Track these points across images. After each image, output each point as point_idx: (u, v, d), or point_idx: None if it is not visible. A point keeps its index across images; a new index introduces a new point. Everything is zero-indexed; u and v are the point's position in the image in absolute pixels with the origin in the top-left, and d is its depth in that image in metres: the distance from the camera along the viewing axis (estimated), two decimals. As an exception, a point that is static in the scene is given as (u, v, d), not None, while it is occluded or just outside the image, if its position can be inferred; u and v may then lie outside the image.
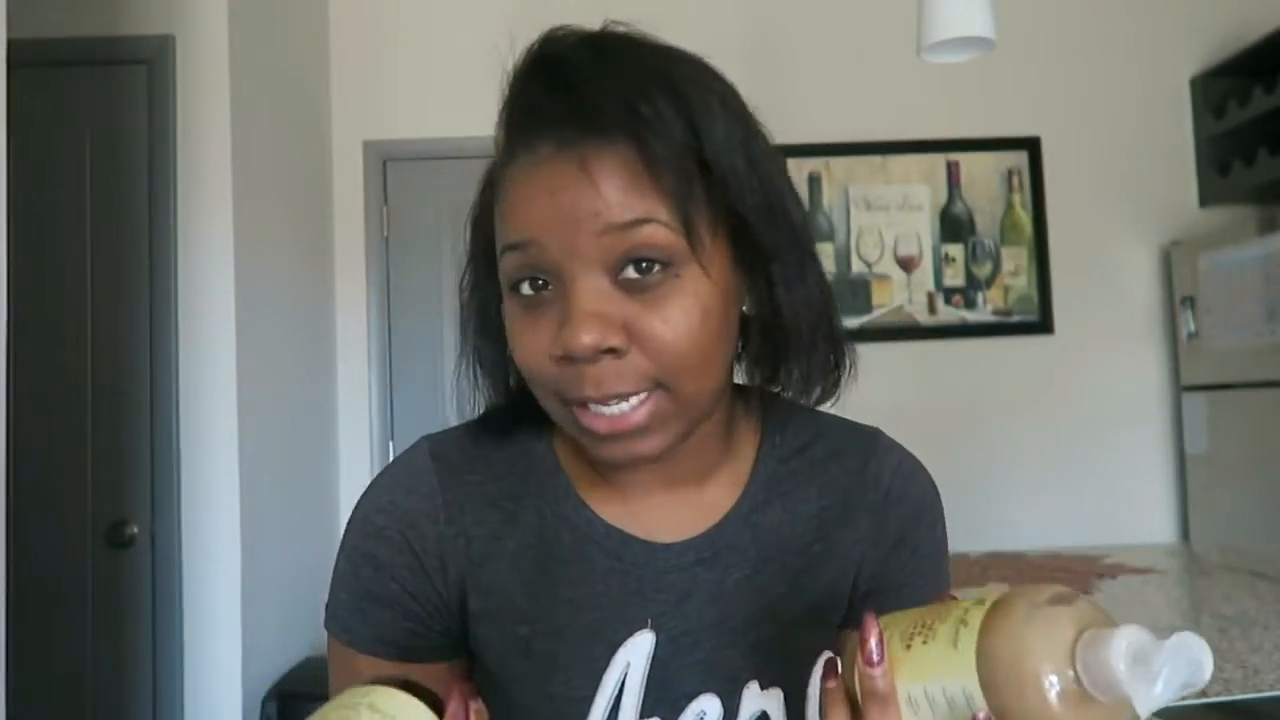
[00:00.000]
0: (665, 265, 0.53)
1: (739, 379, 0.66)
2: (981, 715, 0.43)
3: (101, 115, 2.30)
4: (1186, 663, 0.39)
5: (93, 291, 2.27)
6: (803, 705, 0.65)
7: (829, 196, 3.18)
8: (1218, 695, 1.07)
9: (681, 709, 0.61)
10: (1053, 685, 0.41)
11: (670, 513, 0.65)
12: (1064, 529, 2.99)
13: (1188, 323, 3.07)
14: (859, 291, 3.16)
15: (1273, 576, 1.77)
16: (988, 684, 0.42)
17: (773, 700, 0.63)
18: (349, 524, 0.66)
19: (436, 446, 0.66)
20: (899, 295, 3.17)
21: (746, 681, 0.62)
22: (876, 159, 3.19)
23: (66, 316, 2.26)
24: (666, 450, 0.57)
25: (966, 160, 3.21)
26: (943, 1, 1.77)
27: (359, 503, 0.66)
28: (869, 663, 0.46)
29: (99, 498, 2.24)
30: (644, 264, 0.53)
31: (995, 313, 3.19)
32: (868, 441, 0.70)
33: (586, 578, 0.63)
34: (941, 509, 0.70)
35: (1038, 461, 3.14)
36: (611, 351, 0.53)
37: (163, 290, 2.25)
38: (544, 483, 0.65)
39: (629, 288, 0.53)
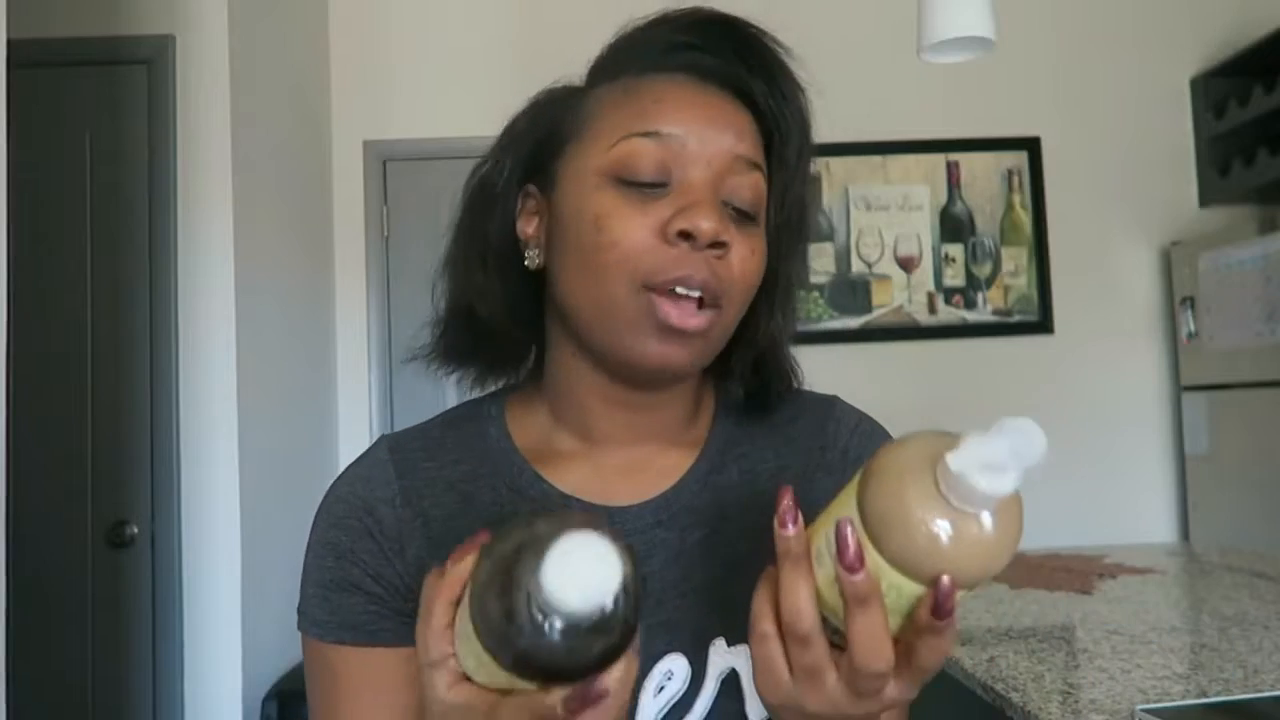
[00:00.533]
0: (756, 213, 0.62)
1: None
2: (846, 527, 0.44)
3: (101, 115, 2.30)
4: (1024, 443, 0.41)
5: (93, 291, 2.27)
6: None
7: (829, 196, 3.18)
8: (1218, 695, 1.07)
9: (648, 670, 0.61)
10: (932, 520, 0.42)
11: (628, 477, 0.66)
12: (1064, 529, 2.98)
13: (1188, 323, 3.07)
14: (859, 291, 3.16)
15: (1273, 576, 1.77)
16: (874, 537, 0.43)
17: (740, 657, 0.63)
18: (314, 521, 0.68)
19: (393, 441, 0.70)
20: (899, 295, 3.18)
21: (712, 639, 0.63)
22: (876, 159, 3.20)
23: (66, 317, 2.26)
24: (691, 369, 0.62)
25: (966, 160, 3.22)
26: (943, 1, 1.77)
27: (321, 501, 0.68)
28: (850, 569, 0.44)
29: (99, 498, 2.24)
30: (746, 202, 0.61)
31: (995, 313, 3.20)
32: (825, 405, 0.73)
33: None
34: None
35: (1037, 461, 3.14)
36: (719, 247, 0.59)
37: (163, 290, 2.25)
38: (499, 462, 0.67)
39: (729, 213, 0.61)
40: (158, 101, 2.27)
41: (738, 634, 0.63)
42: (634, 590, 0.42)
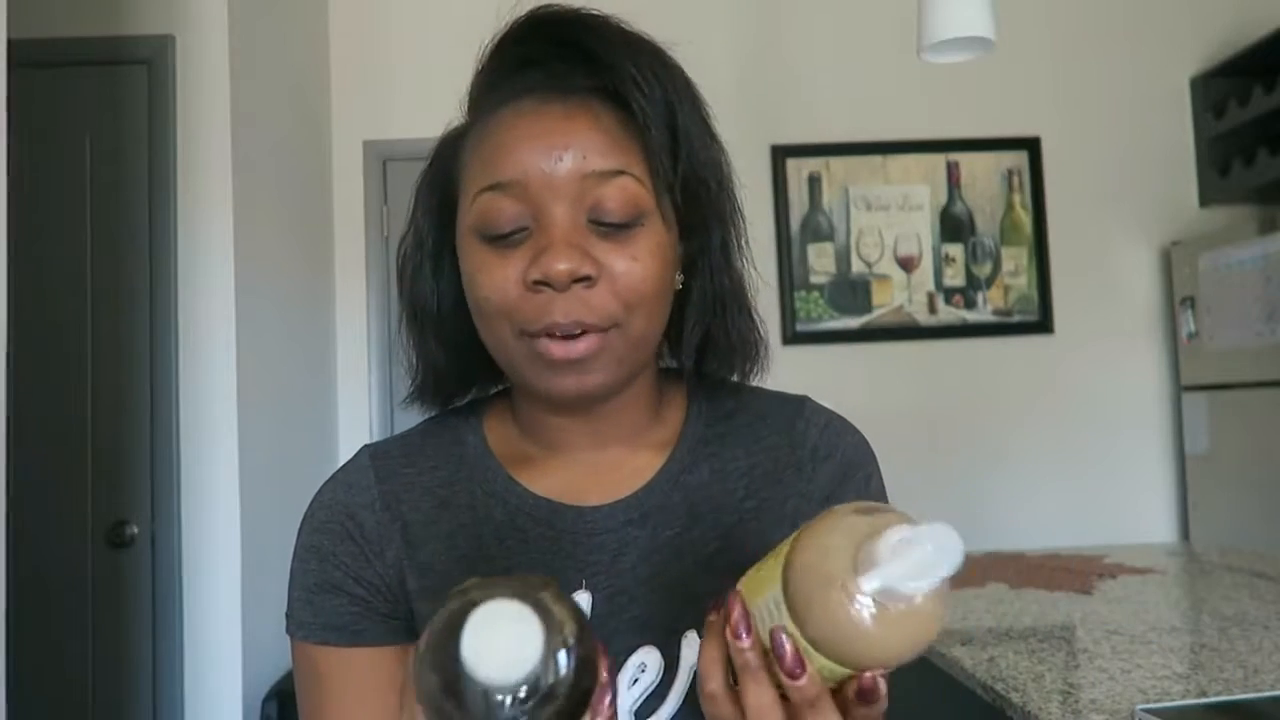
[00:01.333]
0: (634, 215, 0.60)
1: (666, 363, 0.71)
2: (780, 636, 0.44)
3: (101, 115, 2.30)
4: (942, 555, 0.40)
5: (93, 291, 2.27)
6: None
7: (829, 196, 3.18)
8: (1218, 695, 1.07)
9: (622, 663, 0.63)
10: (852, 609, 0.42)
11: (599, 479, 0.68)
12: (1064, 529, 2.99)
13: (1188, 323, 3.07)
14: (859, 291, 3.16)
15: (1273, 576, 1.78)
16: (797, 619, 0.44)
17: None
18: (299, 529, 0.70)
19: (374, 449, 0.72)
20: (899, 295, 3.18)
21: (684, 632, 0.64)
22: (876, 159, 3.20)
23: (66, 317, 2.26)
24: (610, 388, 0.63)
25: (966, 160, 3.22)
26: (943, 1, 1.77)
27: (306, 508, 0.71)
28: (735, 636, 0.47)
29: (99, 498, 2.24)
30: (614, 214, 0.59)
31: (995, 313, 3.20)
32: (795, 405, 0.73)
33: (520, 548, 0.66)
34: (876, 467, 0.72)
35: (1038, 461, 3.14)
36: (584, 280, 0.58)
37: (163, 290, 2.25)
38: (475, 467, 0.69)
39: (599, 230, 0.60)
40: (158, 101, 2.27)
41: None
42: (582, 651, 0.41)
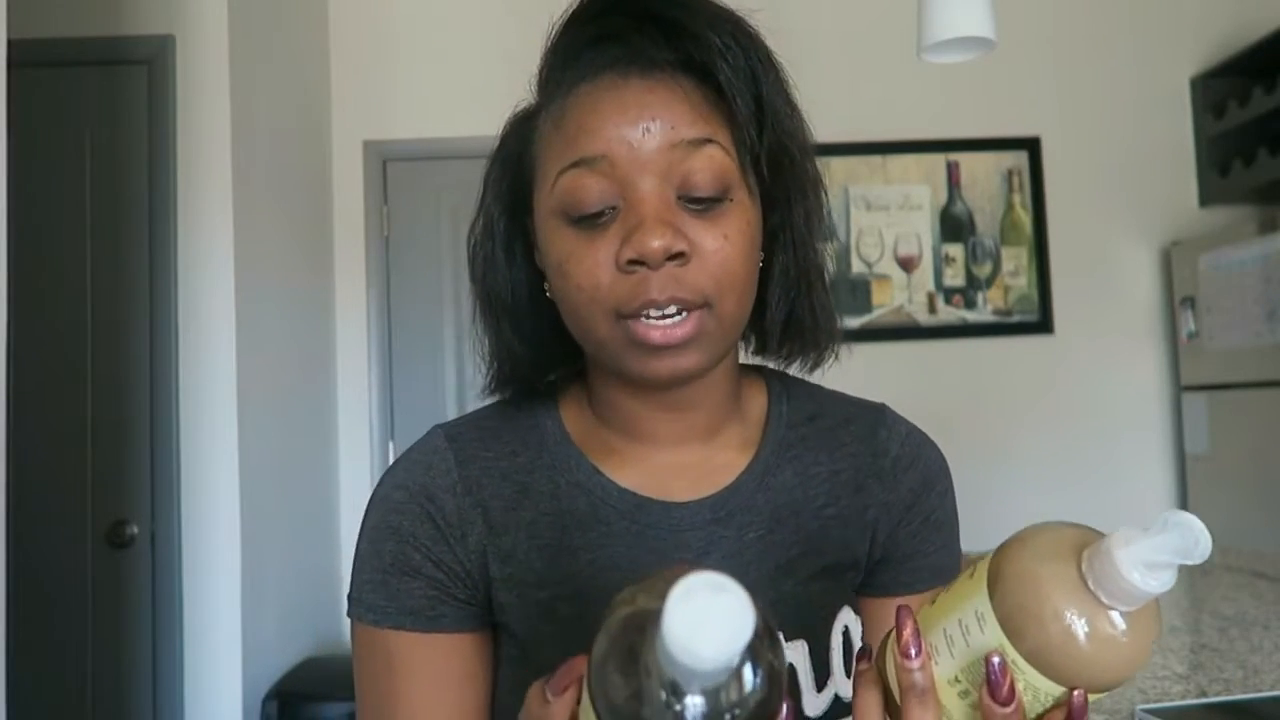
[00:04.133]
0: (723, 189, 0.58)
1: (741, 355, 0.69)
2: (995, 660, 0.41)
3: (101, 115, 2.30)
4: (1190, 541, 0.38)
5: (93, 291, 2.27)
6: (826, 656, 0.66)
7: (829, 196, 3.17)
8: (1218, 695, 1.07)
9: None
10: (1075, 618, 0.39)
11: (683, 475, 0.66)
12: (1064, 529, 2.99)
13: (1188, 323, 3.07)
14: (859, 291, 3.16)
15: (1273, 576, 1.77)
16: (1010, 630, 0.41)
17: (797, 652, 0.65)
18: (368, 508, 0.67)
19: (450, 429, 0.69)
20: (899, 295, 3.17)
21: None
22: (876, 159, 3.19)
23: (66, 316, 2.26)
24: (703, 369, 0.61)
25: (966, 160, 3.21)
26: (943, 1, 1.77)
27: (377, 488, 0.68)
28: (905, 654, 0.44)
29: (99, 498, 2.24)
30: (703, 187, 0.57)
31: (995, 313, 3.19)
32: (876, 412, 0.72)
33: (604, 541, 0.64)
34: (951, 480, 0.72)
35: (1038, 461, 3.14)
36: (678, 257, 0.56)
37: (163, 290, 2.25)
38: (556, 454, 0.67)
39: (689, 207, 0.58)
40: (158, 101, 2.27)
41: (793, 630, 0.64)
42: (772, 667, 0.35)
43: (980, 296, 3.20)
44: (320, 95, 3.04)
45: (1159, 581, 0.38)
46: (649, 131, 0.57)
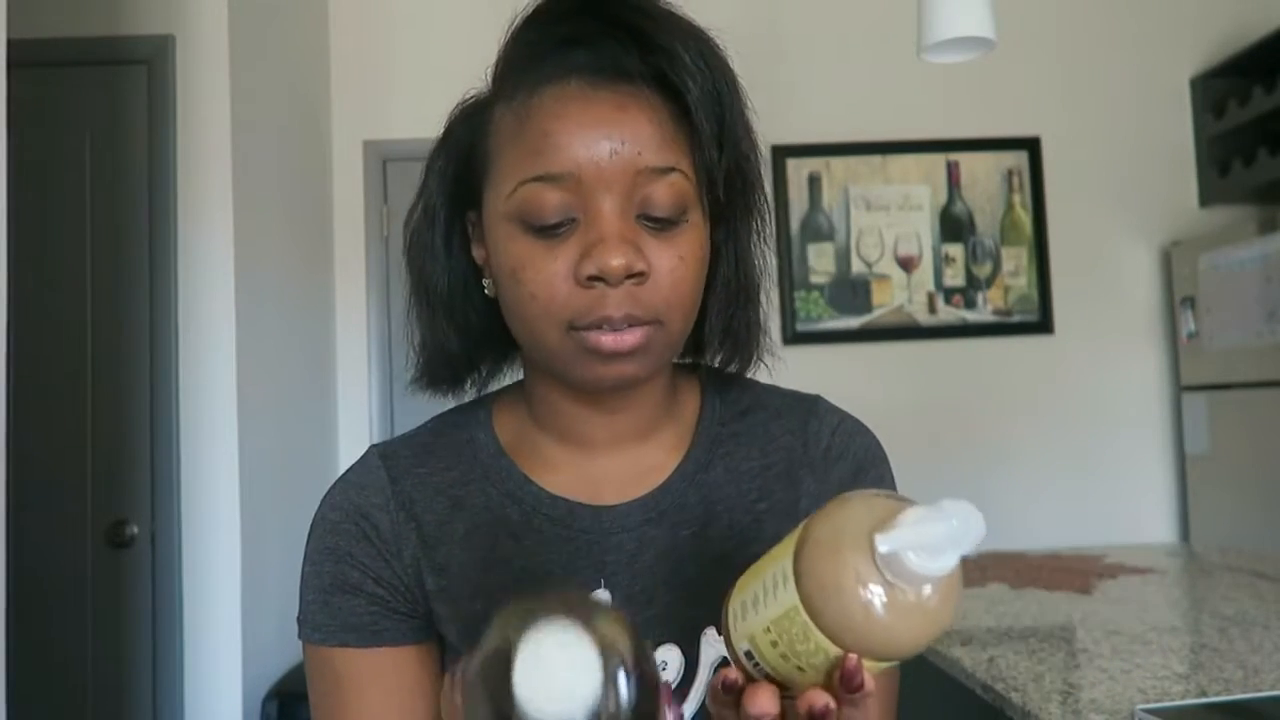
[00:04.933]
0: (681, 211, 0.59)
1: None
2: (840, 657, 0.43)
3: (101, 115, 2.30)
4: (963, 529, 0.39)
5: (93, 291, 2.27)
6: None
7: (829, 196, 3.18)
8: (1218, 695, 1.07)
9: None
10: (874, 595, 0.41)
11: (614, 477, 0.67)
12: (1064, 529, 2.99)
13: (1188, 323, 3.07)
14: (859, 291, 3.16)
15: (1273, 576, 1.77)
16: (804, 594, 0.43)
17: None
18: (310, 532, 0.69)
19: (384, 448, 0.70)
20: (899, 295, 3.18)
21: (703, 630, 0.64)
22: (876, 159, 3.19)
23: (66, 316, 2.26)
24: (645, 378, 0.62)
25: (966, 160, 3.21)
26: (943, 1, 1.77)
27: (316, 511, 0.69)
28: (856, 690, 0.44)
29: (99, 498, 2.24)
30: (663, 209, 0.58)
31: (995, 313, 3.19)
32: (808, 404, 0.72)
33: (537, 548, 0.65)
34: (888, 468, 0.71)
35: (1038, 461, 3.14)
36: (636, 276, 0.57)
37: (163, 290, 2.25)
38: (489, 467, 0.68)
39: (647, 225, 0.59)
40: (158, 101, 2.27)
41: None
42: (641, 669, 0.37)
43: (980, 296, 3.20)
44: (320, 95, 3.04)
45: (938, 565, 0.40)
46: (616, 153, 0.57)
